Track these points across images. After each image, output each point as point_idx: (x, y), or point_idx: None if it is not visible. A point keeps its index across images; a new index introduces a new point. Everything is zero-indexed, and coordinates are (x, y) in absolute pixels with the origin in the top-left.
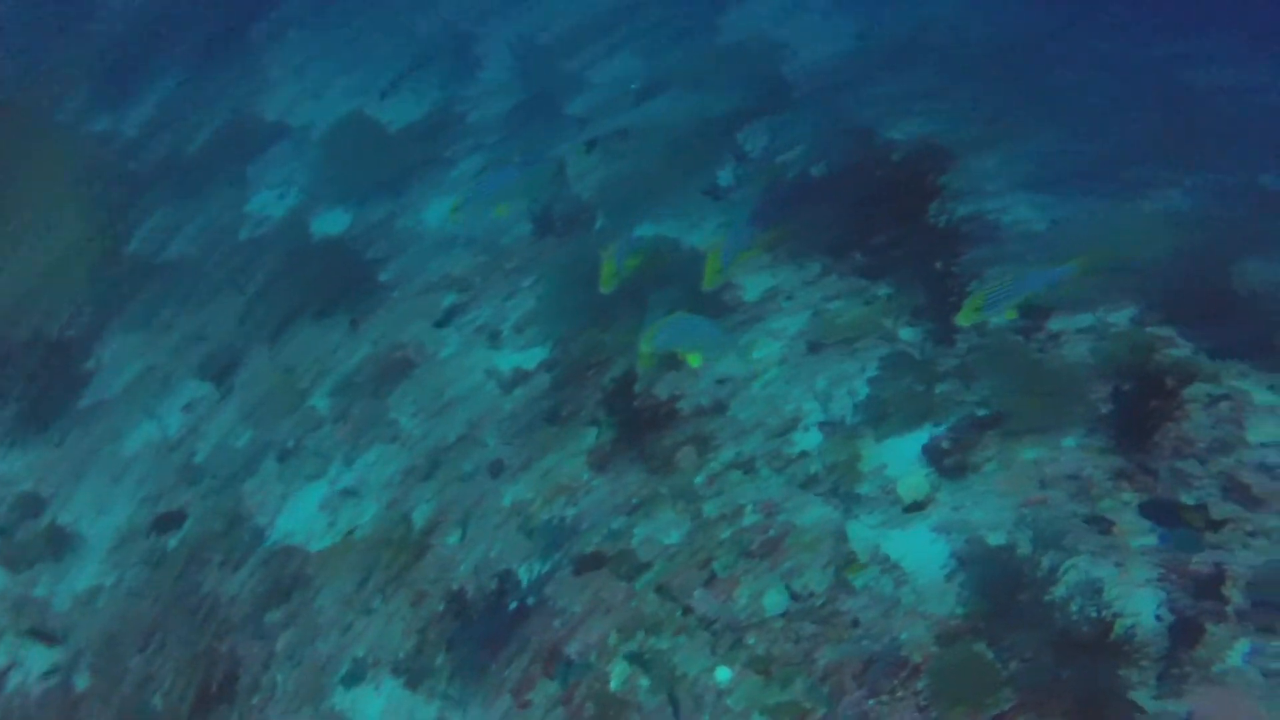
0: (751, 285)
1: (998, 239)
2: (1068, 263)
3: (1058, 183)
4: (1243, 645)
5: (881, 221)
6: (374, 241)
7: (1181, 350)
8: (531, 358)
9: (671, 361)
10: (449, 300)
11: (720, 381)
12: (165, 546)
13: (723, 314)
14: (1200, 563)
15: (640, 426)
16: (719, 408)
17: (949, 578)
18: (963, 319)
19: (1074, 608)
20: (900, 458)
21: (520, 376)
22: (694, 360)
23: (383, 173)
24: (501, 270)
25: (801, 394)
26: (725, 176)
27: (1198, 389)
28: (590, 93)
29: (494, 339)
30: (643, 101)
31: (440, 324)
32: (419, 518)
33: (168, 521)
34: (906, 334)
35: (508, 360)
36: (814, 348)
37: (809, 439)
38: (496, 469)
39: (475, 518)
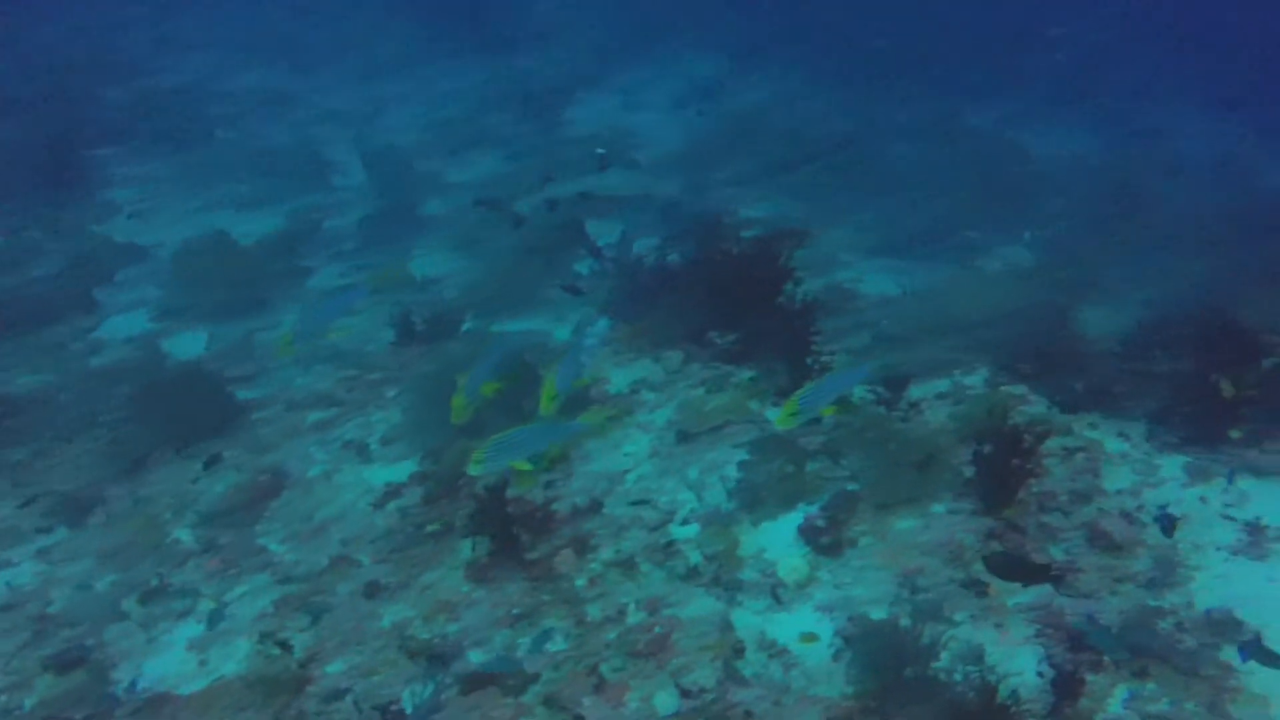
0: (617, 379)
1: (855, 308)
2: (867, 363)
3: (905, 248)
4: (1121, 692)
5: (739, 304)
6: (234, 361)
7: (1035, 406)
8: (402, 471)
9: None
10: (315, 417)
11: (595, 479)
12: (20, 707)
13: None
14: (1074, 614)
15: (517, 533)
16: (595, 507)
17: (836, 657)
18: (780, 424)
19: (959, 676)
20: (778, 540)
21: (392, 491)
22: (523, 468)
23: (239, 289)
24: (366, 382)
25: (675, 485)
26: (584, 269)
27: (1054, 443)
28: (448, 194)
29: (363, 454)
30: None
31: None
32: (297, 649)
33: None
34: (773, 415)
35: (378, 475)
36: (683, 438)
37: (687, 530)
38: (373, 590)
39: (355, 644)
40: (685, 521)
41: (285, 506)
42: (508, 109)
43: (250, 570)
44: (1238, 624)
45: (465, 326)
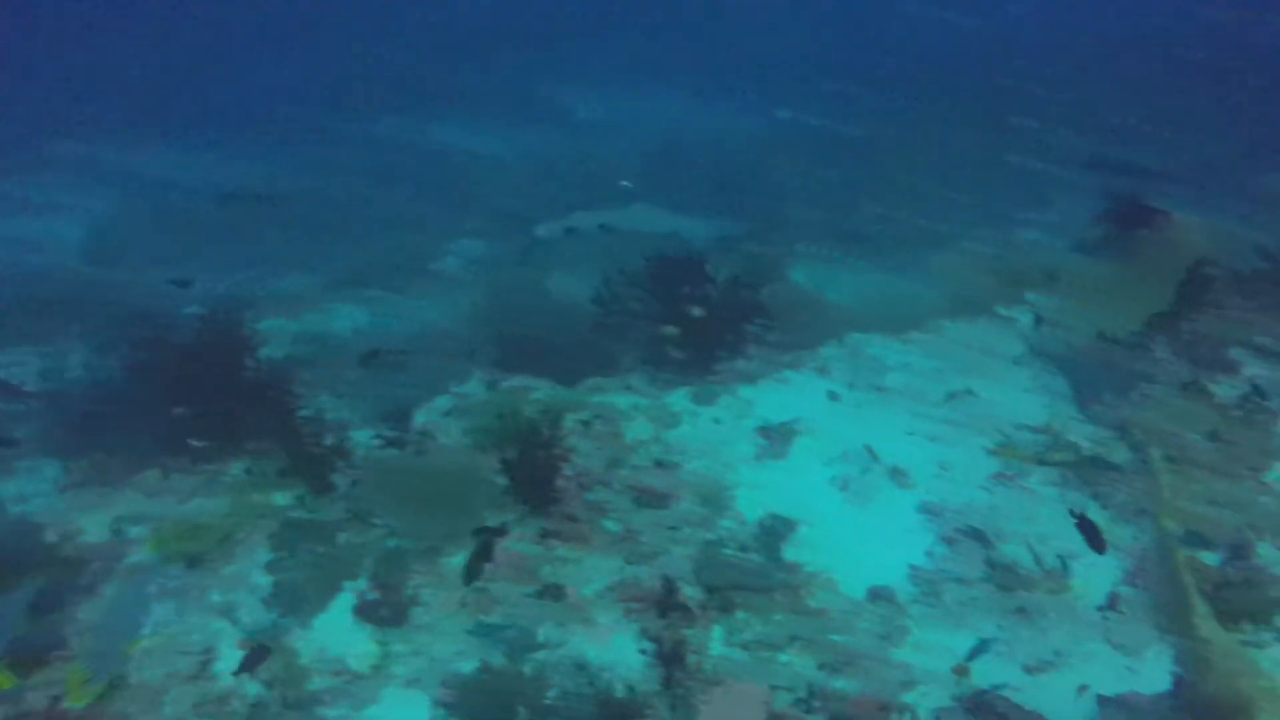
0: (93, 527)
1: (329, 351)
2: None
3: (368, 277)
4: (717, 631)
5: (207, 394)
6: None
7: (540, 391)
8: None
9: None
10: None
11: (102, 656)
12: None
13: (71, 570)
14: (650, 579)
15: None
16: (116, 682)
17: None
18: (74, 703)
19: (573, 695)
20: (337, 631)
21: None
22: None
23: None
24: None
25: (203, 619)
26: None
27: (570, 421)
28: None
29: None
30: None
31: None
32: None
33: None
34: (282, 499)
35: None
36: (193, 563)
37: (229, 669)
38: None
39: None
40: (226, 655)
41: None
42: None
43: None
44: (787, 522)
45: None
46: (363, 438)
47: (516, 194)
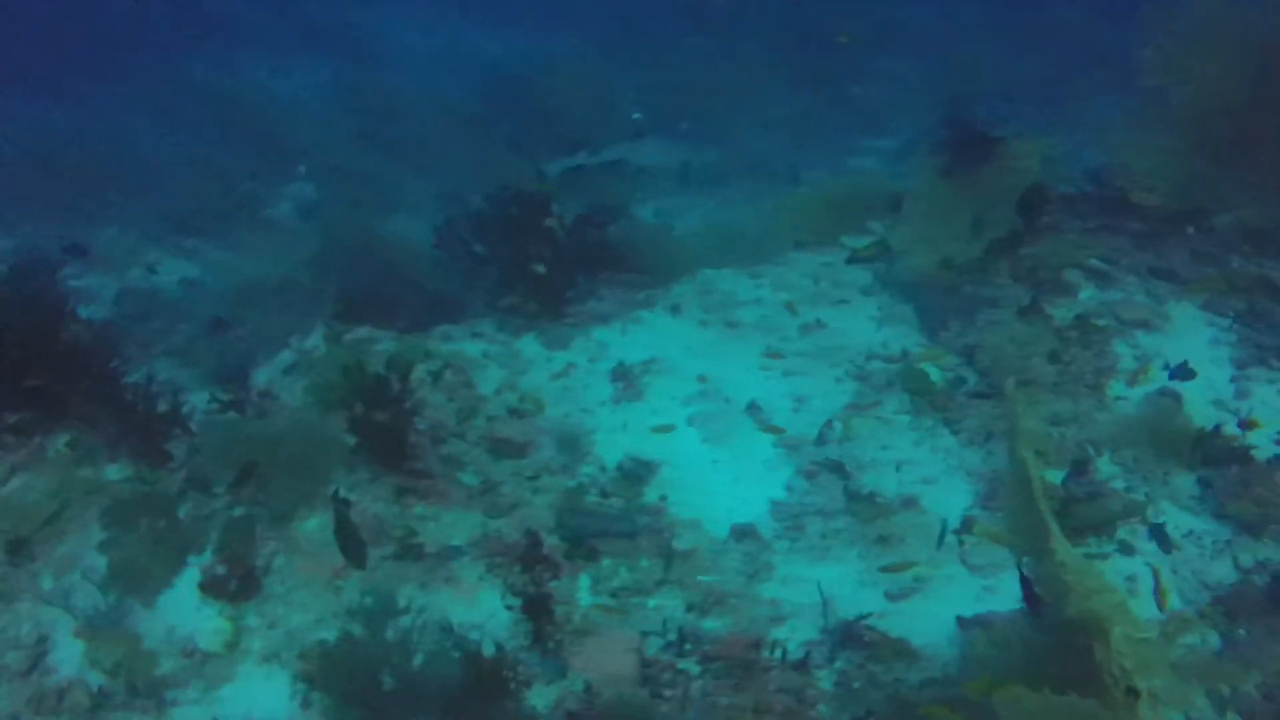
0: None
1: (157, 309)
2: None
3: (193, 226)
4: (583, 580)
5: (21, 362)
6: None
7: (384, 343)
8: None
9: None
10: None
11: None
12: None
13: None
14: (511, 532)
15: None
16: None
17: (305, 706)
18: None
19: (442, 658)
20: (183, 610)
21: None
22: None
23: None
24: None
25: (30, 609)
26: None
27: (420, 373)
28: None
29: None
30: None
31: None
32: None
33: None
34: (114, 472)
35: None
36: (16, 548)
37: (66, 660)
38: None
39: None
40: (59, 647)
41: None
42: None
43: None
44: (647, 465)
45: None
46: (199, 401)
47: (344, 134)
